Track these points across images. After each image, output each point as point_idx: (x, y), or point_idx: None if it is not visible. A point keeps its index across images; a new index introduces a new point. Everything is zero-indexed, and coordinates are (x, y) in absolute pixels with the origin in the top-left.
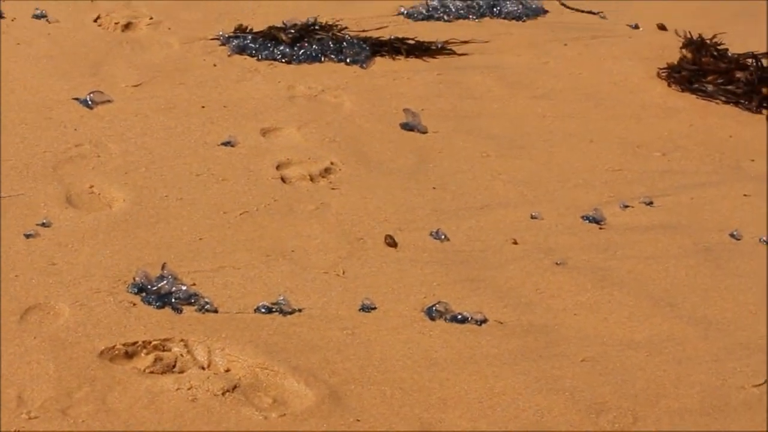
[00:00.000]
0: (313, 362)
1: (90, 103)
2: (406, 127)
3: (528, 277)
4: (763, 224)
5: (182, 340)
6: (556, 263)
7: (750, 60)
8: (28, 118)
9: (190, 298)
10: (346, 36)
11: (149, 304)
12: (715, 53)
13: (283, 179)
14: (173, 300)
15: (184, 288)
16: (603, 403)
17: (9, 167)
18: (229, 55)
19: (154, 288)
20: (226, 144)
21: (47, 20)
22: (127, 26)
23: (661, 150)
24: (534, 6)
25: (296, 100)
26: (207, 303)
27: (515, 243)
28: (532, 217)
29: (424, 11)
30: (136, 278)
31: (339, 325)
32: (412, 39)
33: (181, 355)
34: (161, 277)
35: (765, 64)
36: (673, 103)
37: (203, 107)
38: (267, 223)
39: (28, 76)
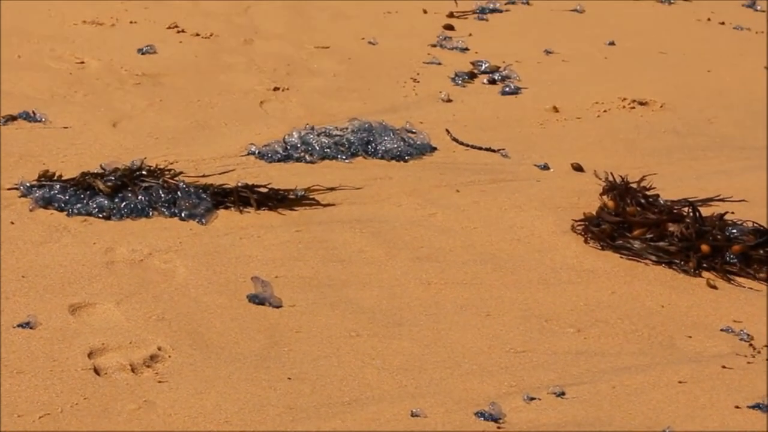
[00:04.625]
0: None
1: None
2: (255, 300)
3: None
4: (703, 420)
5: None
6: None
7: (686, 209)
8: None
9: None
10: (182, 183)
11: None
12: (643, 201)
13: (96, 371)
14: None
15: None
16: None
17: None
18: (31, 210)
19: None
20: (23, 326)
21: None
22: None
23: (576, 325)
24: (419, 142)
25: (116, 267)
26: None
27: None
28: (413, 415)
29: (280, 150)
30: None
31: None
32: (265, 186)
33: None
34: None
35: (704, 214)
36: (591, 264)
37: None
38: (74, 427)
39: None
